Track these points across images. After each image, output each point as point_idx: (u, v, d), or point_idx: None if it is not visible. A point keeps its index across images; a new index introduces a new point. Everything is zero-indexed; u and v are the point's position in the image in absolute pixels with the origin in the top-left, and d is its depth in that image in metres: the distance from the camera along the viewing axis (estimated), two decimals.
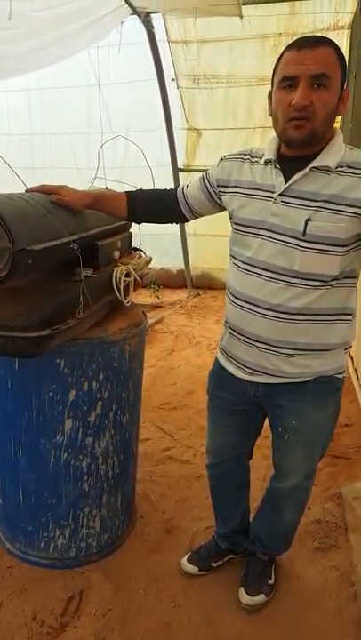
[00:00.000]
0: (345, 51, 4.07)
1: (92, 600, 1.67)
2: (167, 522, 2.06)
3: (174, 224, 1.67)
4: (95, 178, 1.92)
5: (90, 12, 3.36)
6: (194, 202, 1.54)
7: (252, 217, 1.33)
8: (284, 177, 1.27)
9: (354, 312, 1.37)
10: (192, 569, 1.79)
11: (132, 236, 2.04)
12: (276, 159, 1.30)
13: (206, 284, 5.68)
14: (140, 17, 3.86)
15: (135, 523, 2.04)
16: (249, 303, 1.35)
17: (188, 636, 1.57)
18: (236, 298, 1.40)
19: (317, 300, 1.28)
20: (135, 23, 3.98)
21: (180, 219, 1.60)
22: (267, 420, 1.57)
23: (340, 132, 1.29)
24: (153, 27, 4.10)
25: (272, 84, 1.26)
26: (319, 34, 4.10)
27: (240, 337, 1.41)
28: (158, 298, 5.27)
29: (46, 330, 1.32)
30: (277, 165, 1.29)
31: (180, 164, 4.95)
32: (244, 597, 1.66)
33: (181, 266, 5.67)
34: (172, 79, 4.56)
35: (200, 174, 1.54)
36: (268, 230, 1.29)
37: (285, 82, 1.19)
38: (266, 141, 1.36)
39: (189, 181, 1.58)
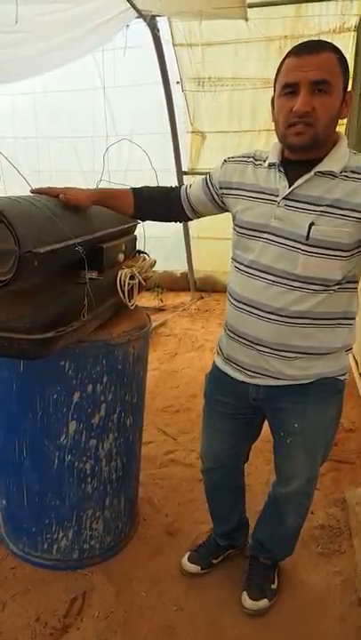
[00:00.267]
0: (351, 54, 4.07)
1: (95, 602, 1.67)
2: (169, 524, 2.05)
3: (178, 222, 1.68)
4: (100, 181, 1.93)
5: (95, 15, 3.38)
6: (196, 202, 1.54)
7: (255, 220, 1.33)
8: (288, 181, 1.27)
9: (355, 316, 1.38)
10: (194, 568, 1.79)
11: (136, 239, 2.04)
12: (280, 163, 1.30)
13: (210, 287, 5.68)
14: (145, 20, 3.87)
15: (138, 525, 2.04)
16: (250, 306, 1.35)
17: None
18: (237, 301, 1.40)
19: (320, 305, 1.28)
20: (140, 26, 3.99)
21: (183, 217, 1.61)
22: (267, 424, 1.56)
23: (345, 137, 1.29)
24: (158, 30, 4.11)
25: (274, 89, 1.27)
26: (325, 36, 4.12)
27: (240, 340, 1.41)
28: (162, 301, 5.27)
29: (51, 332, 1.33)
30: (281, 169, 1.29)
31: (184, 168, 4.95)
32: (247, 602, 1.66)
33: (185, 269, 5.68)
34: (177, 82, 4.57)
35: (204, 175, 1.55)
36: (270, 234, 1.29)
37: (287, 89, 1.20)
38: (271, 144, 1.36)
39: (193, 181, 1.59)
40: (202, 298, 5.58)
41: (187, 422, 2.86)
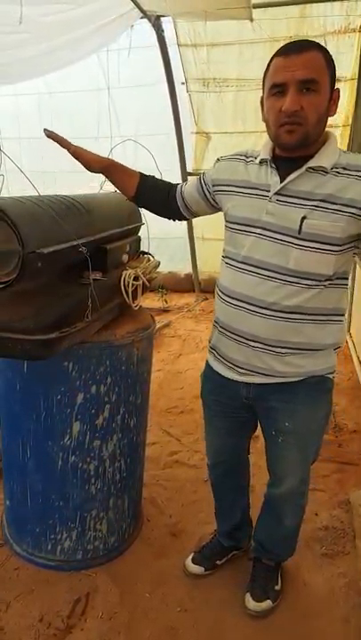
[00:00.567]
0: (356, 54, 4.07)
1: (99, 603, 1.67)
2: (173, 525, 2.05)
3: (173, 220, 1.67)
4: (104, 181, 1.93)
5: (100, 15, 3.38)
6: (190, 200, 1.56)
7: (246, 215, 1.34)
8: (280, 176, 1.29)
9: (345, 313, 1.40)
10: (197, 569, 1.79)
11: (140, 240, 2.04)
12: (271, 159, 1.32)
13: (214, 288, 5.66)
14: (150, 20, 3.88)
15: (142, 526, 2.03)
16: (243, 302, 1.36)
17: None
18: (229, 297, 1.40)
19: (311, 300, 1.30)
20: (145, 27, 4.00)
21: (178, 215, 1.61)
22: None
23: (335, 135, 1.32)
24: (163, 30, 4.11)
25: (263, 90, 1.29)
26: (330, 37, 4.10)
27: (233, 336, 1.41)
28: (166, 302, 5.27)
29: (54, 333, 1.33)
30: (273, 165, 1.31)
31: (189, 168, 4.95)
32: (251, 603, 1.65)
33: (189, 270, 5.67)
34: (182, 83, 4.57)
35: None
36: (263, 229, 1.31)
37: (275, 89, 1.22)
38: (262, 142, 1.38)
39: (189, 179, 1.60)
40: (206, 299, 5.57)
41: (191, 423, 2.86)
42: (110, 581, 1.76)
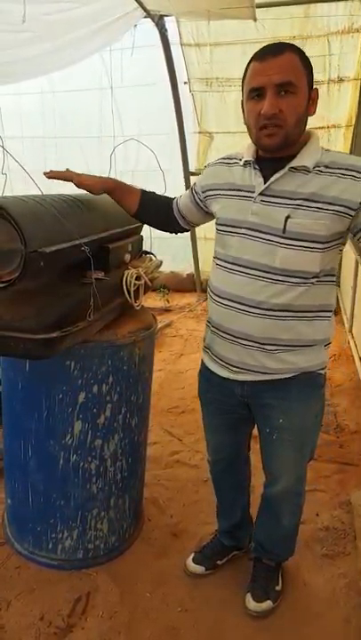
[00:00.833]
0: (359, 54, 4.06)
1: (99, 602, 1.68)
2: (174, 525, 2.05)
3: (175, 233, 1.72)
4: None
5: (103, 15, 3.38)
6: (185, 211, 1.60)
7: (232, 216, 1.37)
8: (263, 177, 1.32)
9: (333, 309, 1.42)
10: (198, 568, 1.79)
11: (142, 240, 2.04)
12: (254, 160, 1.34)
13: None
14: (153, 20, 3.88)
15: (143, 526, 2.03)
16: (234, 301, 1.38)
17: None
18: (220, 297, 1.43)
19: (299, 297, 1.32)
20: (148, 26, 4.00)
21: (177, 227, 1.66)
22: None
23: (317, 135, 1.33)
24: (166, 30, 4.11)
25: (242, 93, 1.31)
26: (333, 37, 4.10)
27: (225, 335, 1.43)
28: (168, 301, 5.27)
29: (56, 332, 1.33)
30: (256, 166, 1.33)
31: (191, 168, 4.95)
32: (251, 604, 1.65)
33: (191, 270, 5.67)
34: (185, 82, 4.57)
35: None
36: (248, 229, 1.34)
37: (253, 93, 1.25)
38: (245, 144, 1.40)
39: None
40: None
41: (192, 423, 2.86)
42: (111, 581, 1.76)
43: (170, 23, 4.13)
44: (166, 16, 3.98)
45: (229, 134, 4.80)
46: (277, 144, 1.26)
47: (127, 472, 1.80)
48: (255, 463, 1.80)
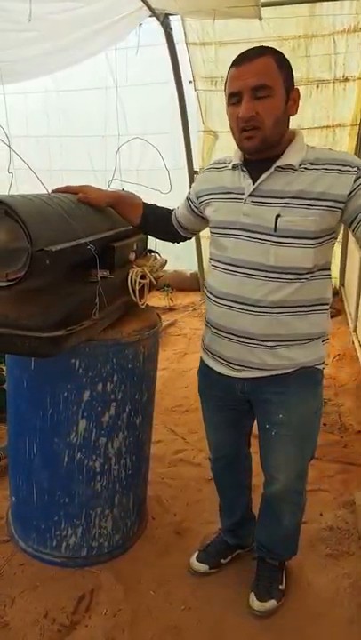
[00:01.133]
0: None
1: (103, 600, 1.68)
2: (178, 524, 2.06)
3: (176, 243, 1.76)
4: (112, 180, 1.93)
5: (108, 14, 3.38)
6: (183, 220, 1.65)
7: (225, 218, 1.41)
8: (252, 178, 1.35)
9: (329, 302, 1.45)
10: (202, 567, 1.80)
11: (147, 239, 2.04)
12: (242, 163, 1.38)
13: None
14: (158, 19, 3.87)
15: (146, 524, 2.04)
16: (231, 301, 1.40)
17: None
18: (217, 297, 1.45)
19: (295, 293, 1.35)
20: (153, 25, 3.99)
21: (178, 236, 1.71)
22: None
23: (301, 133, 1.37)
24: (171, 29, 4.11)
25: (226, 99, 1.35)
26: (339, 36, 4.09)
27: (225, 334, 1.45)
28: (172, 300, 5.27)
29: (62, 330, 1.33)
30: (244, 169, 1.37)
31: (195, 167, 4.94)
32: (255, 603, 1.65)
33: (195, 269, 5.67)
34: (190, 81, 4.56)
35: None
36: (241, 230, 1.37)
37: (232, 98, 1.29)
38: (234, 148, 1.43)
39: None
40: None
41: (196, 422, 2.86)
42: (114, 579, 1.76)
43: (175, 22, 4.12)
44: (171, 15, 3.97)
45: None
46: (256, 146, 1.30)
47: (131, 470, 1.80)
48: (257, 461, 1.81)
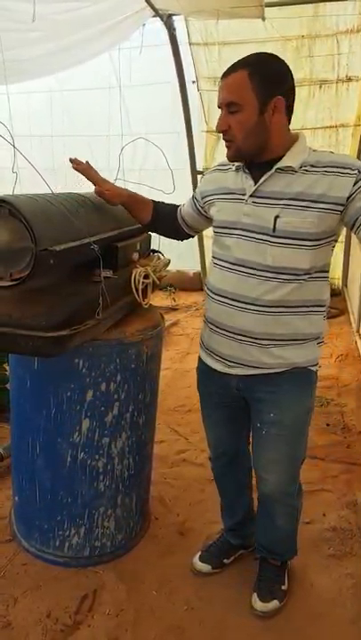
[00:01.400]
0: None
1: (106, 600, 1.68)
2: (181, 524, 2.05)
3: (181, 240, 1.78)
4: (116, 180, 1.93)
5: (112, 14, 3.39)
6: (188, 218, 1.67)
7: (227, 218, 1.44)
8: (254, 180, 1.37)
9: (327, 304, 1.46)
10: (204, 567, 1.80)
11: (150, 238, 2.04)
12: (244, 165, 1.41)
13: None
14: (162, 19, 3.88)
15: (149, 524, 2.04)
16: (229, 299, 1.43)
17: None
18: (216, 295, 1.48)
19: (292, 293, 1.37)
20: (157, 25, 4.00)
21: (183, 234, 1.73)
22: None
23: (304, 136, 1.38)
24: (175, 29, 4.11)
25: None
26: (342, 36, 4.08)
27: (221, 331, 1.47)
28: (174, 300, 5.27)
29: (65, 330, 1.33)
30: (246, 170, 1.40)
31: (199, 167, 4.95)
32: (258, 604, 1.65)
33: (198, 268, 5.67)
34: (193, 81, 4.57)
35: None
36: (242, 230, 1.39)
37: (220, 109, 1.36)
38: None
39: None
40: None
41: (198, 422, 2.83)
42: (117, 579, 1.76)
43: (178, 22, 4.13)
44: (175, 15, 3.98)
45: None
46: (233, 155, 1.37)
47: (134, 470, 1.80)
48: None
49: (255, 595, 1.68)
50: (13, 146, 1.49)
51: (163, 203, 1.70)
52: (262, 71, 1.29)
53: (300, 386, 1.47)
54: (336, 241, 1.40)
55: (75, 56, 3.80)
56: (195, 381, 1.70)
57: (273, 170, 1.33)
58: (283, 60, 1.33)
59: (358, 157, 4.25)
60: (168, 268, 2.10)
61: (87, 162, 1.57)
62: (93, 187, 1.59)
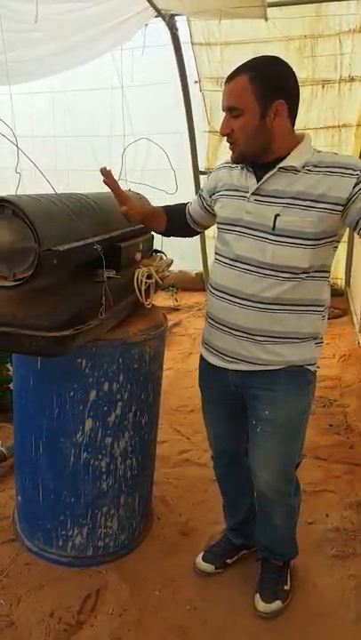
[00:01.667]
0: None
1: (109, 599, 1.68)
2: (183, 524, 2.05)
3: (190, 237, 1.82)
4: (118, 180, 1.93)
5: (114, 14, 3.39)
6: (196, 215, 1.69)
7: (230, 215, 1.45)
8: (257, 178, 1.39)
9: (326, 304, 1.47)
10: (208, 567, 1.80)
11: (153, 238, 2.05)
12: (249, 163, 1.42)
13: None
14: (164, 19, 3.89)
15: (152, 524, 2.04)
16: (228, 294, 1.45)
17: None
18: (216, 290, 1.49)
19: (289, 291, 1.38)
20: (159, 25, 4.00)
21: (192, 232, 1.77)
22: None
23: (309, 136, 1.39)
24: (177, 29, 4.12)
25: None
26: (345, 36, 4.07)
27: (220, 326, 1.49)
28: (177, 300, 5.27)
29: (69, 330, 1.34)
30: (250, 168, 1.42)
31: (201, 167, 4.95)
32: (260, 604, 1.65)
33: (200, 269, 5.67)
34: (195, 81, 4.57)
35: None
36: (243, 227, 1.41)
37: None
38: None
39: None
40: None
41: (200, 422, 2.82)
42: (120, 579, 1.76)
43: (181, 22, 4.13)
44: (177, 15, 3.98)
45: None
46: (236, 158, 1.40)
47: (137, 470, 1.80)
48: None
49: (258, 595, 1.67)
50: (17, 146, 1.49)
51: (171, 207, 1.72)
52: (264, 75, 1.29)
53: (296, 385, 1.47)
54: (338, 242, 1.41)
55: (77, 56, 3.81)
56: (197, 381, 1.71)
57: (276, 169, 1.34)
58: (286, 63, 1.33)
59: None
60: (170, 269, 2.10)
61: (106, 168, 1.53)
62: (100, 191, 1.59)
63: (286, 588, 1.71)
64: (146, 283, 1.71)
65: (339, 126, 4.51)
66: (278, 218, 1.33)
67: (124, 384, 1.64)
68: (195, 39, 4.29)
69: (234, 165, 1.49)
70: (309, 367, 1.48)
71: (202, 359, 1.63)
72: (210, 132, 4.86)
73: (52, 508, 1.75)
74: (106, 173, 1.48)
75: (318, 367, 1.52)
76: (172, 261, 2.06)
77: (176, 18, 4.06)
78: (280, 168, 1.34)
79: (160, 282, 1.82)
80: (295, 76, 1.34)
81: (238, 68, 1.32)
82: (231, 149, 1.39)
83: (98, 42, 3.65)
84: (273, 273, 1.37)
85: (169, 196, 1.89)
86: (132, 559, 1.86)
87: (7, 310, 1.37)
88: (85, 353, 1.54)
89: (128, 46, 4.15)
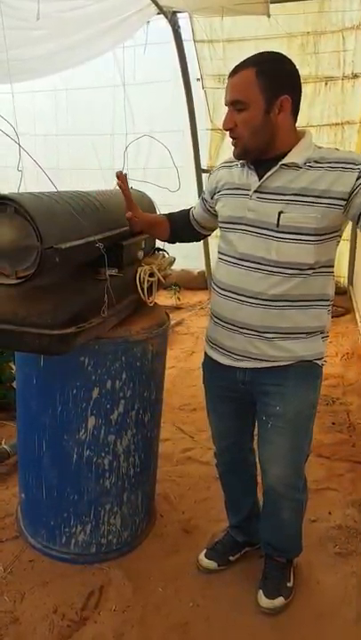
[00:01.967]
0: None
1: (112, 596, 1.69)
2: (186, 522, 2.06)
3: (196, 241, 1.83)
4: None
5: (116, 11, 3.38)
6: (199, 218, 1.70)
7: (232, 213, 1.45)
8: (258, 176, 1.39)
9: (331, 298, 1.48)
10: (210, 564, 1.80)
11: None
12: (249, 161, 1.42)
13: None
14: (166, 16, 3.87)
15: (155, 522, 2.04)
16: (234, 293, 1.44)
17: (205, 638, 1.57)
18: (221, 289, 1.49)
19: (296, 288, 1.38)
20: (161, 23, 3.99)
21: (198, 236, 1.78)
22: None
23: (310, 133, 1.40)
24: (179, 26, 4.10)
25: None
26: (348, 32, 4.05)
27: (226, 325, 1.48)
28: (179, 299, 5.27)
29: (71, 328, 1.34)
30: (251, 166, 1.41)
31: (203, 165, 4.94)
32: (263, 601, 1.65)
33: (202, 267, 5.67)
34: (198, 79, 4.55)
35: None
36: (246, 225, 1.41)
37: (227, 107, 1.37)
38: None
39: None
40: None
41: (204, 420, 2.82)
42: (123, 576, 1.77)
43: (183, 20, 4.12)
44: (179, 12, 3.97)
45: None
46: (238, 153, 1.39)
47: (140, 468, 1.81)
48: None
49: (261, 592, 1.68)
50: (19, 144, 1.49)
51: (174, 214, 1.74)
52: (269, 70, 1.29)
53: (305, 379, 1.48)
54: (340, 237, 1.41)
55: (79, 54, 3.80)
56: (200, 380, 1.71)
57: (277, 166, 1.34)
58: (290, 60, 1.33)
59: None
60: (173, 267, 2.10)
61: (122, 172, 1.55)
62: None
63: (289, 584, 1.71)
64: (148, 281, 1.71)
65: (342, 123, 4.49)
66: (282, 215, 1.33)
67: (127, 382, 1.64)
68: (197, 36, 4.27)
69: (233, 164, 1.49)
70: (317, 362, 1.49)
71: (207, 357, 1.62)
72: (212, 129, 4.85)
73: (56, 505, 1.76)
74: (122, 177, 1.49)
75: (325, 362, 1.53)
76: (174, 259, 2.06)
77: (178, 15, 4.04)
78: (282, 165, 1.34)
79: (162, 280, 1.82)
80: (298, 73, 1.34)
81: (244, 61, 1.31)
82: (234, 145, 1.38)
83: (100, 40, 3.64)
84: (279, 270, 1.37)
85: (171, 193, 1.88)
86: (135, 556, 1.87)
87: (9, 308, 1.37)
88: (88, 351, 1.55)
89: (130, 44, 4.14)
